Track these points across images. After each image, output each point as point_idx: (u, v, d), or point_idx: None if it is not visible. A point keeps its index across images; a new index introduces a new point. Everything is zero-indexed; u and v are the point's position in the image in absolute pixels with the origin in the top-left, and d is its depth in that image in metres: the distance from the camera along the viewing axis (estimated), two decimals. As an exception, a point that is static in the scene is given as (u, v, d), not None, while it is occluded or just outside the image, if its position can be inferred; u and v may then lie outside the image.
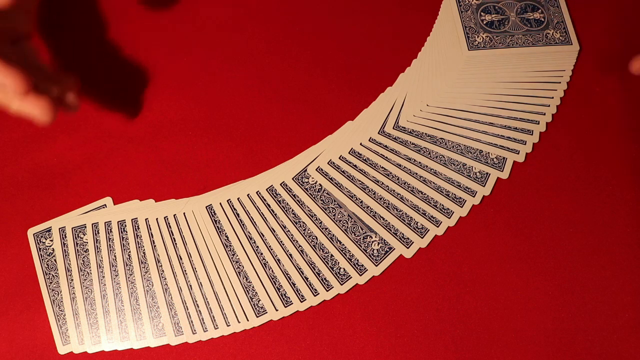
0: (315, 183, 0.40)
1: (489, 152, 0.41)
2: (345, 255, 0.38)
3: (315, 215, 0.39)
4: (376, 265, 0.38)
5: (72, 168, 0.40)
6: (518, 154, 0.41)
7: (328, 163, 0.40)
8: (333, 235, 0.38)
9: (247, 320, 0.36)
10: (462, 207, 0.39)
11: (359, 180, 0.40)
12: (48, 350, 0.36)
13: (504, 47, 0.43)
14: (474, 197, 0.40)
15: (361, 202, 0.39)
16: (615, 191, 0.40)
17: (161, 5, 0.45)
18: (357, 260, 0.38)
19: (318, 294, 0.37)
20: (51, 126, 0.41)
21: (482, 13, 0.45)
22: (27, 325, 0.37)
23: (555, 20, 0.44)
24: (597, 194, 0.40)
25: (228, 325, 0.36)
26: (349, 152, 0.41)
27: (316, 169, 0.40)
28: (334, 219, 0.39)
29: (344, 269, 0.38)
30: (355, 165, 0.40)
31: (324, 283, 0.37)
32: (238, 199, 0.39)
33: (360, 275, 0.37)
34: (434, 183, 0.40)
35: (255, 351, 0.36)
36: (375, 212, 0.39)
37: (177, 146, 0.41)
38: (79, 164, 0.40)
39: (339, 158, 0.41)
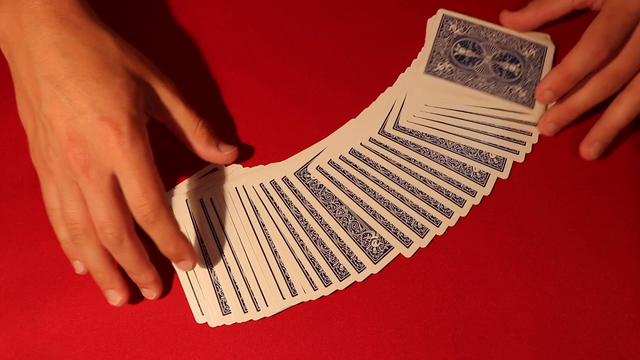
0: (316, 181, 0.40)
1: (488, 152, 0.41)
2: (345, 252, 0.38)
3: (315, 210, 0.39)
4: (375, 264, 0.38)
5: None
6: (518, 154, 0.41)
7: (328, 162, 0.40)
8: (333, 231, 0.38)
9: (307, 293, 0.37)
10: (462, 207, 0.39)
11: (359, 180, 0.40)
12: (47, 351, 0.36)
13: (462, 84, 0.42)
14: (474, 197, 0.40)
15: (361, 201, 0.39)
16: (615, 191, 0.40)
17: (160, 5, 0.46)
18: (357, 257, 0.38)
19: (317, 289, 0.37)
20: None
21: (458, 44, 0.43)
22: (27, 325, 0.37)
23: (528, 79, 0.42)
24: (597, 194, 0.40)
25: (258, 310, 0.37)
26: (349, 152, 0.41)
27: (316, 168, 0.40)
28: (334, 215, 0.39)
29: (343, 266, 0.38)
30: (355, 165, 0.40)
31: (323, 278, 0.37)
32: (236, 188, 0.40)
33: (359, 272, 0.37)
34: (434, 183, 0.40)
35: (255, 351, 0.36)
36: (375, 212, 0.39)
37: (176, 147, 0.41)
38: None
39: (339, 158, 0.41)
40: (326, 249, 0.38)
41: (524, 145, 0.41)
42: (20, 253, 0.39)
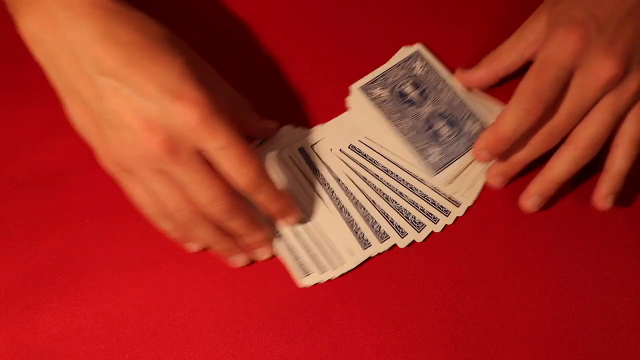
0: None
1: None
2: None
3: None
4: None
5: (72, 168, 0.40)
6: None
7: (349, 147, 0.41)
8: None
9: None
10: (458, 207, 0.39)
11: (362, 175, 0.40)
12: (48, 351, 0.36)
13: (384, 116, 0.40)
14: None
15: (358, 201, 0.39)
16: (615, 191, 0.40)
17: (160, 5, 0.46)
18: (398, 224, 0.39)
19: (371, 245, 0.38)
20: (51, 125, 0.41)
21: (410, 82, 0.41)
22: (27, 325, 0.37)
23: (450, 149, 0.40)
24: (597, 194, 0.40)
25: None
26: (348, 147, 0.41)
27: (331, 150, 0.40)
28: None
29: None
30: (355, 162, 0.40)
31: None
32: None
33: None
34: (433, 183, 0.40)
35: (255, 351, 0.36)
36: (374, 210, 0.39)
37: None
38: (80, 164, 0.40)
39: (339, 151, 0.41)
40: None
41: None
42: (20, 253, 0.39)
